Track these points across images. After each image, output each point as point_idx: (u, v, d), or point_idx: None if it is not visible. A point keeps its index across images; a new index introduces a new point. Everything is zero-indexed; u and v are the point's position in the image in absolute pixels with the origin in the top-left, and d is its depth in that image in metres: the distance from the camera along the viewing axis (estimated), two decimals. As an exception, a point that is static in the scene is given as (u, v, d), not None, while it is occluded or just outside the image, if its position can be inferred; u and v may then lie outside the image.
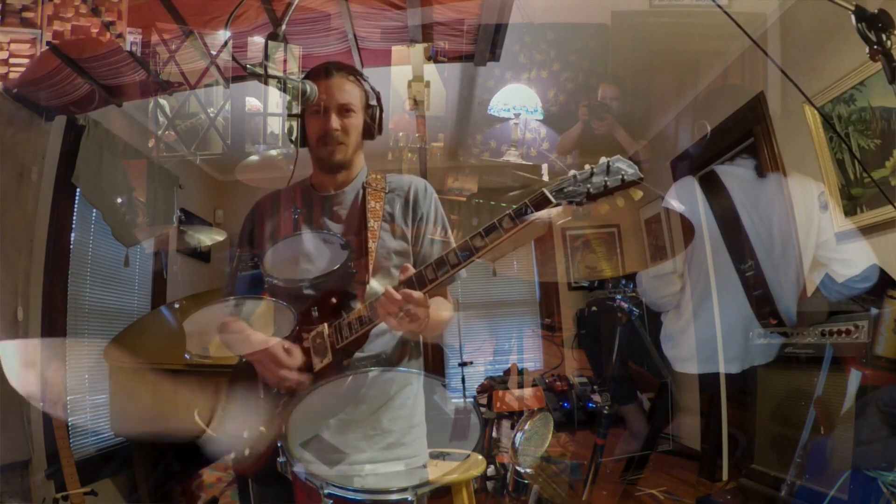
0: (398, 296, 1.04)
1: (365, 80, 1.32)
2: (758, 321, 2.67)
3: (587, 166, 1.01)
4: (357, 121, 1.29)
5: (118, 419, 2.69)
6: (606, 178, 0.98)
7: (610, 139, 3.12)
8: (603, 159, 1.00)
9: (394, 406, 1.20)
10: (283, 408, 1.13)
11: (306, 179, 1.39)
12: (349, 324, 1.15)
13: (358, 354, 1.20)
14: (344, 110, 1.26)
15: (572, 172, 1.01)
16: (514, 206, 1.02)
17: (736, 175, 2.92)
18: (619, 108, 3.14)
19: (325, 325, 1.17)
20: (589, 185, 0.98)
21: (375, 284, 1.19)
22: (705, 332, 2.91)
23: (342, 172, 1.32)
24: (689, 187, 3.19)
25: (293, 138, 1.32)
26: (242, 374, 1.27)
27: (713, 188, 3.13)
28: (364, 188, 1.32)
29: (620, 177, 0.97)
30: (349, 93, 1.27)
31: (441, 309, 1.24)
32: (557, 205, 1.00)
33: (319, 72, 1.28)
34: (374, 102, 1.32)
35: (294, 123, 1.29)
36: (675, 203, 3.24)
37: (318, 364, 1.14)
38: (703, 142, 3.12)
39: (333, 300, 1.21)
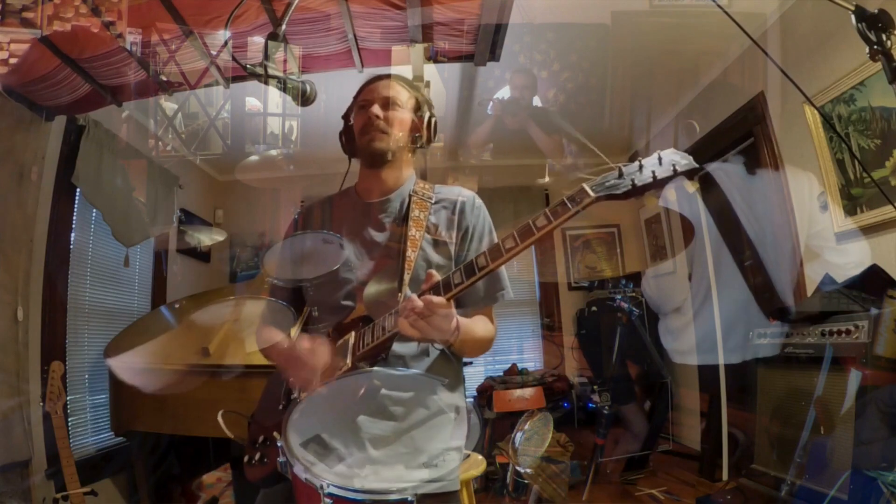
0: (419, 303, 0.98)
1: (418, 91, 1.33)
2: (759, 307, 2.70)
3: (637, 161, 0.94)
4: (402, 115, 1.27)
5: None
6: (656, 170, 0.92)
7: (523, 133, 3.13)
8: (656, 153, 0.94)
9: (431, 426, 1.15)
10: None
11: (351, 187, 1.37)
12: (372, 330, 1.11)
13: (391, 370, 1.15)
14: (387, 103, 1.26)
15: (617, 166, 0.94)
16: (551, 205, 0.95)
17: (725, 170, 2.96)
18: (529, 97, 3.13)
19: (353, 334, 1.14)
20: (633, 178, 0.92)
21: (374, 286, 1.15)
22: (707, 325, 2.93)
23: (387, 171, 1.28)
24: (686, 186, 3.21)
25: (345, 149, 1.34)
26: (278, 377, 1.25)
27: (706, 185, 3.16)
28: (410, 197, 1.28)
29: (672, 167, 0.91)
30: (396, 90, 1.28)
31: (476, 326, 1.19)
32: (597, 200, 0.93)
33: (373, 77, 1.31)
34: (425, 110, 1.31)
35: (348, 131, 1.32)
36: (673, 201, 3.25)
37: (336, 371, 1.11)
38: (693, 141, 3.14)
39: (333, 302, 1.19)
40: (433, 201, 1.28)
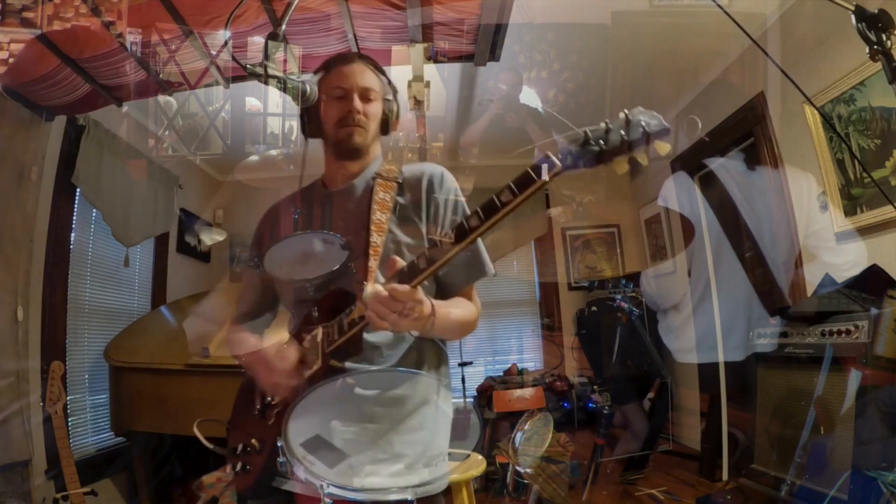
0: (384, 292, 0.92)
1: (385, 74, 1.29)
2: (760, 300, 2.71)
3: (603, 123, 0.84)
4: (377, 109, 1.24)
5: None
6: (624, 133, 0.82)
7: (522, 133, 3.15)
8: (622, 113, 0.83)
9: (409, 427, 1.09)
10: (276, 420, 1.08)
11: (318, 179, 1.32)
12: (339, 326, 1.05)
13: (367, 366, 1.11)
14: (366, 96, 1.22)
15: (582, 129, 0.84)
16: (515, 177, 0.86)
17: (726, 166, 2.98)
18: (516, 96, 3.14)
19: (320, 328, 1.09)
20: (602, 143, 0.82)
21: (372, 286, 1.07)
22: (708, 322, 2.95)
23: (357, 161, 1.25)
24: (684, 181, 3.22)
25: (304, 129, 1.26)
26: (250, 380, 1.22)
27: (706, 181, 3.17)
28: (374, 179, 1.23)
29: (641, 129, 0.81)
30: (371, 79, 1.24)
31: (455, 309, 1.13)
32: (565, 169, 0.84)
33: (341, 58, 1.25)
34: (390, 97, 1.28)
35: (303, 115, 1.24)
36: (672, 197, 3.25)
37: (307, 371, 1.07)
38: (695, 137, 3.15)
39: (332, 302, 1.15)
40: (399, 181, 1.23)
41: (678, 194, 3.37)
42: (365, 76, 1.23)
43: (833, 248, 2.35)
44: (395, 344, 1.16)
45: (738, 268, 3.02)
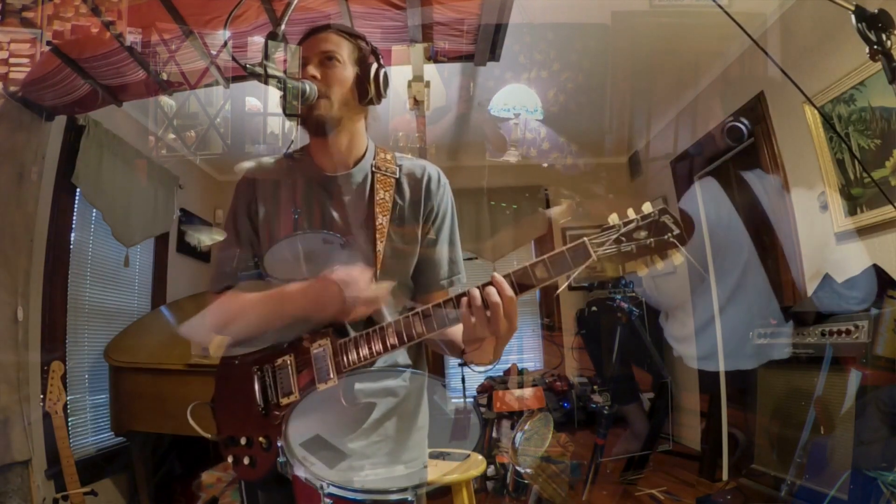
0: (510, 291, 0.90)
1: (360, 38, 1.15)
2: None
3: (631, 212, 0.89)
4: (343, 73, 1.09)
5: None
6: (651, 238, 0.87)
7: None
8: (648, 208, 0.88)
9: (399, 411, 1.11)
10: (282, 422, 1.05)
11: (305, 153, 1.19)
12: (355, 344, 1.00)
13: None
14: (325, 59, 1.09)
15: (615, 222, 0.89)
16: (548, 258, 0.90)
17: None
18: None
19: (329, 342, 1.03)
20: (633, 245, 0.88)
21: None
22: (733, 329, 2.91)
23: (339, 138, 1.12)
24: (712, 188, 3.20)
25: (291, 103, 1.06)
26: (233, 376, 1.17)
27: (741, 185, 3.14)
28: (373, 173, 1.13)
29: (666, 236, 0.87)
30: (334, 42, 1.10)
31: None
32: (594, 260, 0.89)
33: (311, 30, 1.14)
34: (370, 60, 1.13)
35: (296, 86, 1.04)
36: (697, 200, 3.23)
37: (321, 386, 1.03)
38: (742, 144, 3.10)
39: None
40: (396, 176, 1.15)
41: (705, 200, 3.31)
42: (327, 41, 1.11)
43: (835, 261, 2.33)
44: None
45: (760, 273, 2.97)
